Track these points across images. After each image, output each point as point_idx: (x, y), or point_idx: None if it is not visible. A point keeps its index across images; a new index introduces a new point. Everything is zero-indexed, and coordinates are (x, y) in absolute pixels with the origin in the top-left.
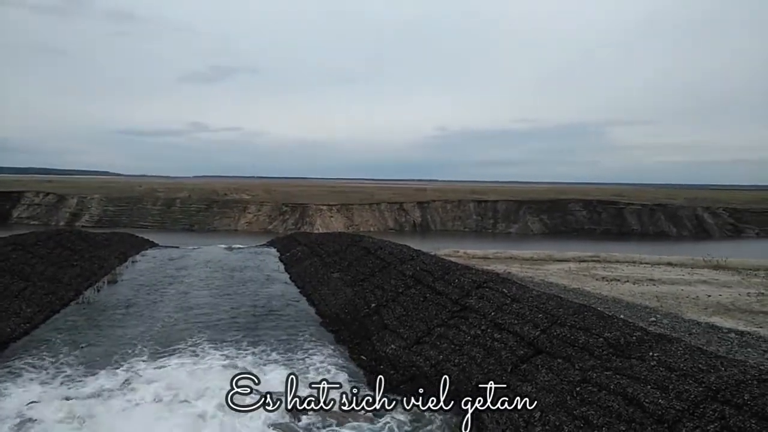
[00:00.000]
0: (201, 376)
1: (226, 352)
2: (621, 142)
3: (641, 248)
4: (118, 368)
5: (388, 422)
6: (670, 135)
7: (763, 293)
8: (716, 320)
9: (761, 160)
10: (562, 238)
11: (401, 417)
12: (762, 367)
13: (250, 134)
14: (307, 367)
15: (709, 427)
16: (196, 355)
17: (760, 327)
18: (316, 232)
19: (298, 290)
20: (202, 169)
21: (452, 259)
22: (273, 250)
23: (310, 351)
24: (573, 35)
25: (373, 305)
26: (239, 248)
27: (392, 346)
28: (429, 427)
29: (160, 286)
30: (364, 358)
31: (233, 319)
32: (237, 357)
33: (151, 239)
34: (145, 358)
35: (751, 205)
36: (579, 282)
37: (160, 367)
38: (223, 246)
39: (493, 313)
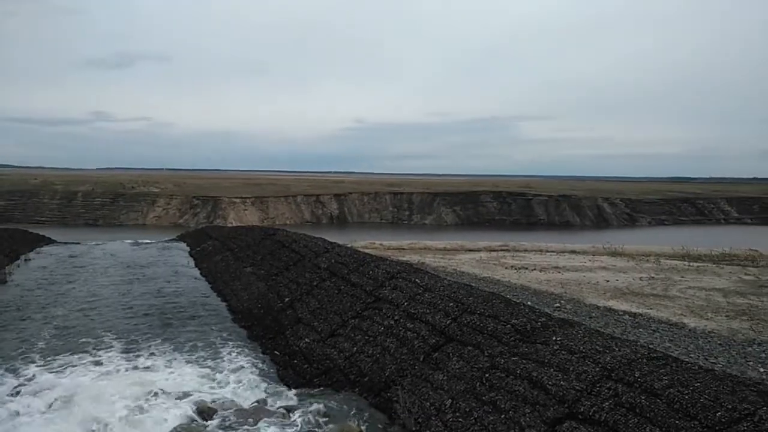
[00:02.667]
0: (101, 380)
1: (129, 354)
2: (530, 136)
3: (548, 237)
4: (5, 375)
5: (302, 415)
6: (574, 130)
7: (653, 277)
8: (613, 304)
9: (652, 155)
10: (474, 228)
11: (314, 409)
12: (651, 346)
13: (160, 125)
14: (219, 365)
15: (604, 405)
16: (97, 358)
17: (650, 309)
18: (229, 225)
19: (209, 286)
20: (106, 161)
21: (368, 250)
22: (182, 245)
23: (222, 348)
24: (487, 31)
25: (287, 299)
26: (146, 243)
27: (306, 339)
28: (340, 421)
29: (56, 285)
30: (277, 353)
31: (138, 319)
32: (142, 358)
33: (48, 235)
34: (38, 363)
35: (644, 196)
36: (489, 271)
37: (56, 373)
38: (129, 241)
39: (406, 303)
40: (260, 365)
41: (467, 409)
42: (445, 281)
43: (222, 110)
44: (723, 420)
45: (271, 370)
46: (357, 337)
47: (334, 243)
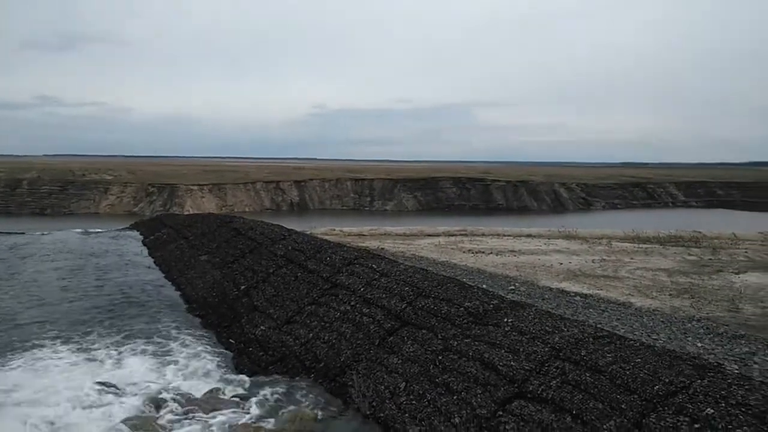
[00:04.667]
0: (48, 373)
1: (77, 346)
2: (489, 123)
3: (505, 222)
4: None
5: (256, 402)
6: (532, 116)
7: (604, 259)
8: (566, 285)
9: (607, 141)
10: (434, 213)
11: (269, 396)
12: (598, 326)
13: (115, 110)
14: (171, 355)
15: (551, 383)
16: (43, 351)
17: (601, 290)
18: (186, 213)
19: (163, 275)
20: (55, 147)
21: (328, 237)
22: (136, 234)
23: (175, 338)
24: (450, 20)
25: (242, 287)
26: (97, 232)
27: (262, 327)
28: (295, 407)
29: None
30: (232, 341)
31: (87, 309)
32: (90, 350)
33: None
34: None
35: (598, 181)
36: (447, 255)
37: None
38: (78, 231)
39: (362, 289)
40: (215, 354)
41: (421, 392)
42: (401, 266)
43: (181, 96)
44: (660, 393)
45: (226, 359)
46: (313, 323)
47: (292, 230)
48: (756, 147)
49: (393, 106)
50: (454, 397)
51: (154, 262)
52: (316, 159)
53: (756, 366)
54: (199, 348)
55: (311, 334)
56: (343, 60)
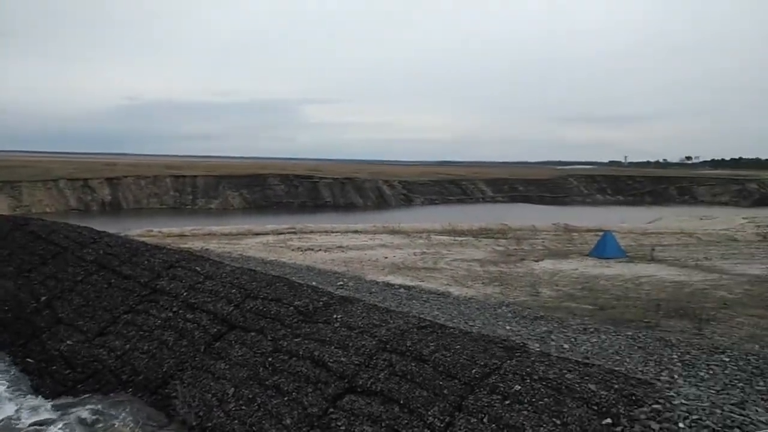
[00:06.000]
0: None
1: None
2: (315, 120)
3: (333, 219)
4: None
5: (62, 428)
6: (356, 115)
7: (425, 252)
8: (391, 278)
9: (423, 140)
10: (262, 211)
11: (78, 419)
12: (421, 316)
13: None
14: None
15: (380, 375)
16: None
17: (423, 281)
18: None
19: None
20: None
21: (146, 239)
22: None
23: None
24: (269, 12)
25: (43, 298)
26: None
27: (68, 342)
28: (109, 427)
29: None
30: (31, 360)
31: None
32: None
33: None
34: None
35: (417, 178)
36: (276, 253)
37: None
38: None
39: (185, 293)
40: (7, 377)
41: (250, 396)
42: (227, 267)
43: None
44: (477, 376)
45: (23, 381)
46: (130, 333)
47: (103, 232)
48: (545, 148)
49: (215, 99)
50: (285, 399)
51: None
52: (130, 154)
53: (553, 343)
54: None
55: (128, 345)
56: (159, 47)
